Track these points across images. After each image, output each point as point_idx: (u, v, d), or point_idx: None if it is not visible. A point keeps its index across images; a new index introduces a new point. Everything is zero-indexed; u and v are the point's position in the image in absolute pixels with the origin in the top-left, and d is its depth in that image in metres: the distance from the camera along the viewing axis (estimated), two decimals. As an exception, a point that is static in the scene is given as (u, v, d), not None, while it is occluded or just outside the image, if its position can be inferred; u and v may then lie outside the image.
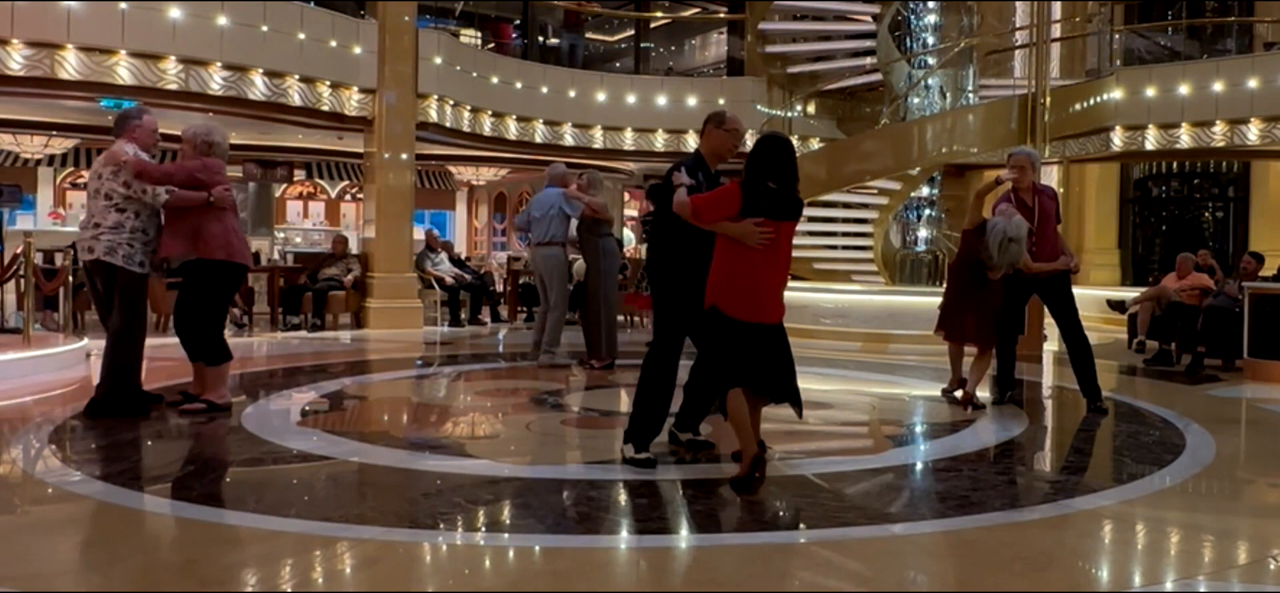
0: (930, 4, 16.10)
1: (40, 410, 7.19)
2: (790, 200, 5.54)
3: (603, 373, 9.89)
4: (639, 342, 11.45)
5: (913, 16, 16.14)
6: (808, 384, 9.74)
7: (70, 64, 11.60)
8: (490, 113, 16.92)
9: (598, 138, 18.17)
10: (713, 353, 5.55)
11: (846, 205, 16.13)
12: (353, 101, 14.15)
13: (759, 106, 18.67)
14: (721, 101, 18.68)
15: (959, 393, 8.20)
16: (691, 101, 18.65)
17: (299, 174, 26.02)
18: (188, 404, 7.18)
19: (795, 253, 16.11)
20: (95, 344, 10.79)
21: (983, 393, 8.21)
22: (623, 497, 5.28)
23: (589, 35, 24.72)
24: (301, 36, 13.43)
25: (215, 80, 12.60)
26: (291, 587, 3.94)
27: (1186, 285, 12.34)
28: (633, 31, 24.19)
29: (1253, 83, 15.53)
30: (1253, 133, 15.58)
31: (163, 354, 11.15)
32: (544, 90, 17.72)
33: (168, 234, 7.06)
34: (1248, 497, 6.02)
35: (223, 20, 12.59)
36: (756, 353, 5.45)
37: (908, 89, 16.06)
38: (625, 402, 8.72)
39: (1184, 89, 16.16)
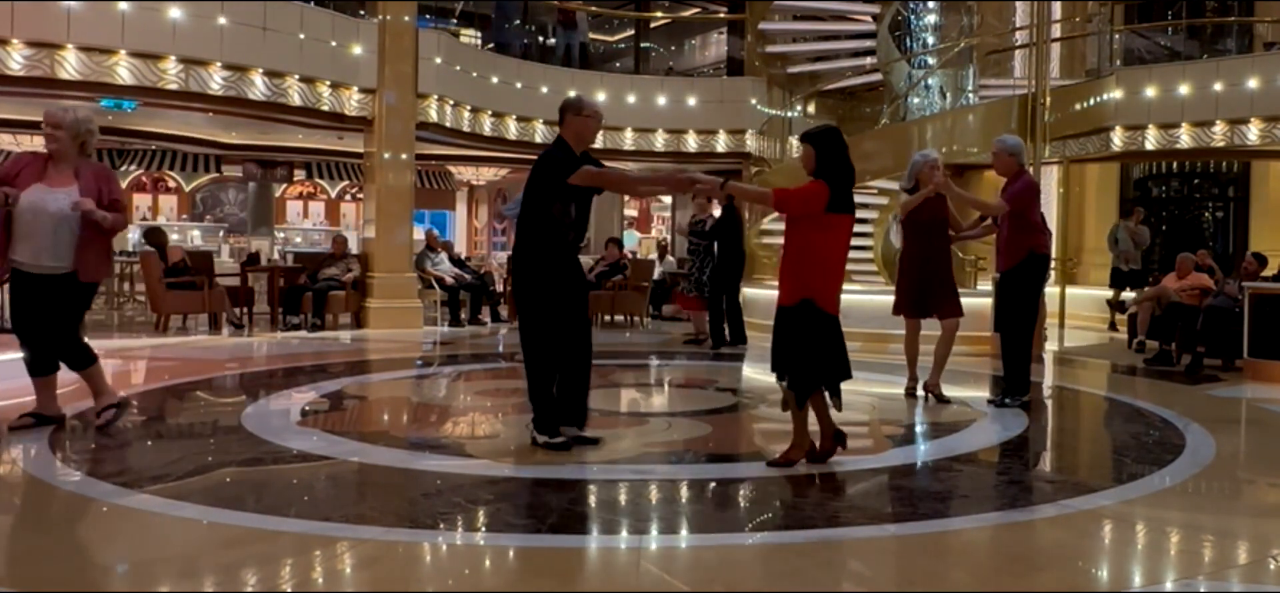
0: (930, 4, 16.08)
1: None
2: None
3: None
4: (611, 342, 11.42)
5: (913, 16, 16.13)
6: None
7: (70, 64, 11.61)
8: (490, 113, 16.92)
9: (597, 137, 18.14)
10: (806, 348, 5.75)
11: (846, 205, 16.10)
12: (353, 101, 14.15)
13: (759, 106, 18.66)
14: (722, 102, 18.71)
15: (920, 391, 8.48)
16: (691, 101, 18.65)
17: (299, 174, 26.07)
18: (102, 415, 6.56)
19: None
20: (95, 344, 10.78)
21: (979, 392, 8.20)
22: (623, 496, 5.28)
23: (591, 36, 24.65)
24: (301, 36, 13.43)
25: (215, 80, 12.60)
26: (291, 587, 3.94)
27: (1186, 285, 12.34)
28: (633, 31, 24.18)
29: (1253, 83, 15.52)
30: (1253, 133, 15.56)
31: (165, 354, 11.17)
32: (544, 90, 17.71)
33: (92, 251, 6.39)
34: (1248, 497, 6.02)
35: (223, 20, 12.59)
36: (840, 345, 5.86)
37: (908, 89, 16.04)
38: (624, 402, 8.73)
39: (1184, 89, 16.13)
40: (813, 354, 5.75)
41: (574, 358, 6.25)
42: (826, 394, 5.87)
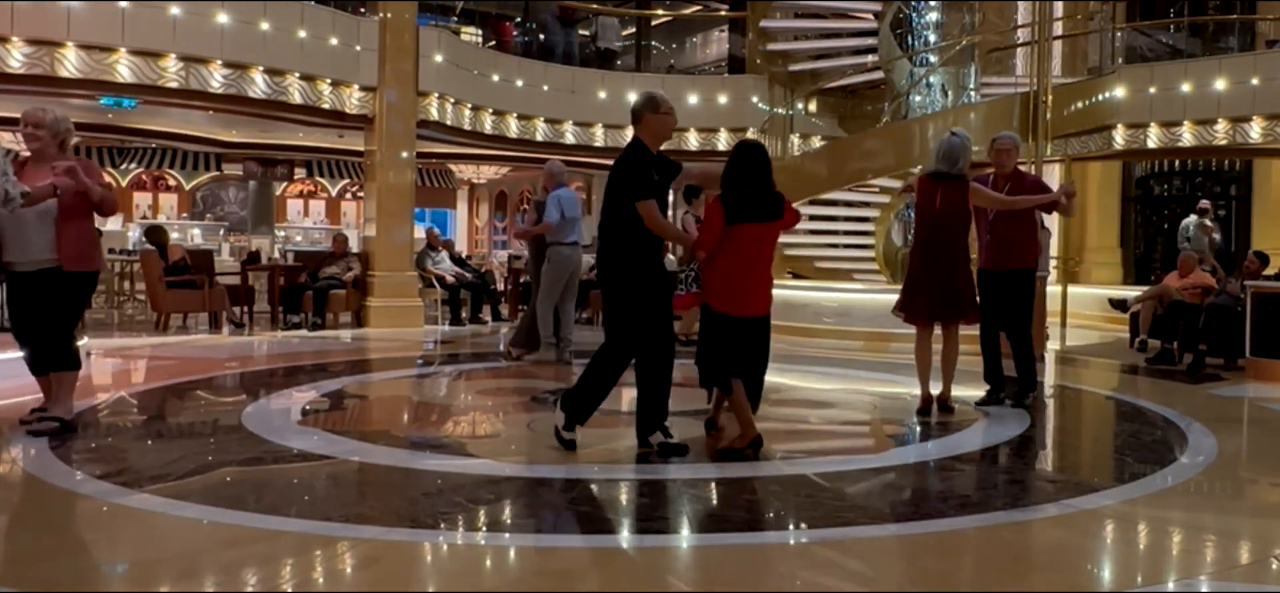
0: (932, 2, 16.06)
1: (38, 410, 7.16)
2: (770, 200, 6.10)
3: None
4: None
5: (914, 14, 16.11)
6: (809, 383, 9.76)
7: (70, 62, 11.59)
8: (491, 111, 16.89)
9: (599, 136, 18.14)
10: (712, 346, 6.18)
11: (848, 204, 16.11)
12: (353, 100, 14.14)
13: (760, 104, 18.64)
14: (723, 100, 18.67)
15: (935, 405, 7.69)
16: (693, 99, 18.60)
17: (299, 172, 26.06)
18: (41, 423, 6.39)
19: (797, 251, 16.08)
20: (95, 343, 10.80)
21: (972, 392, 8.17)
22: (624, 496, 5.27)
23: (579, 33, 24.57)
24: (302, 34, 13.41)
25: (216, 78, 12.58)
26: (292, 587, 3.93)
27: (1188, 284, 12.32)
28: (634, 29, 24.15)
29: (1255, 80, 15.50)
30: (1255, 131, 15.54)
31: (165, 353, 11.16)
32: (545, 88, 17.68)
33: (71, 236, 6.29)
34: (1250, 496, 6.01)
35: (223, 18, 12.57)
36: (748, 343, 6.13)
37: (909, 87, 16.02)
38: (626, 401, 8.71)
39: (1186, 87, 16.12)
40: (707, 349, 6.21)
41: (662, 361, 6.04)
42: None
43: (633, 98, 18.42)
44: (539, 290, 10.52)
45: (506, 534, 4.63)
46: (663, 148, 6.23)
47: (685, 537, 4.70)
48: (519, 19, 21.35)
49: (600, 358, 6.08)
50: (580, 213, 10.67)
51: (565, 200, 10.40)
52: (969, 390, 8.31)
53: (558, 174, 10.68)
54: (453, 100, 15.75)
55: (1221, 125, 15.83)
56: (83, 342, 9.65)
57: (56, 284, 6.28)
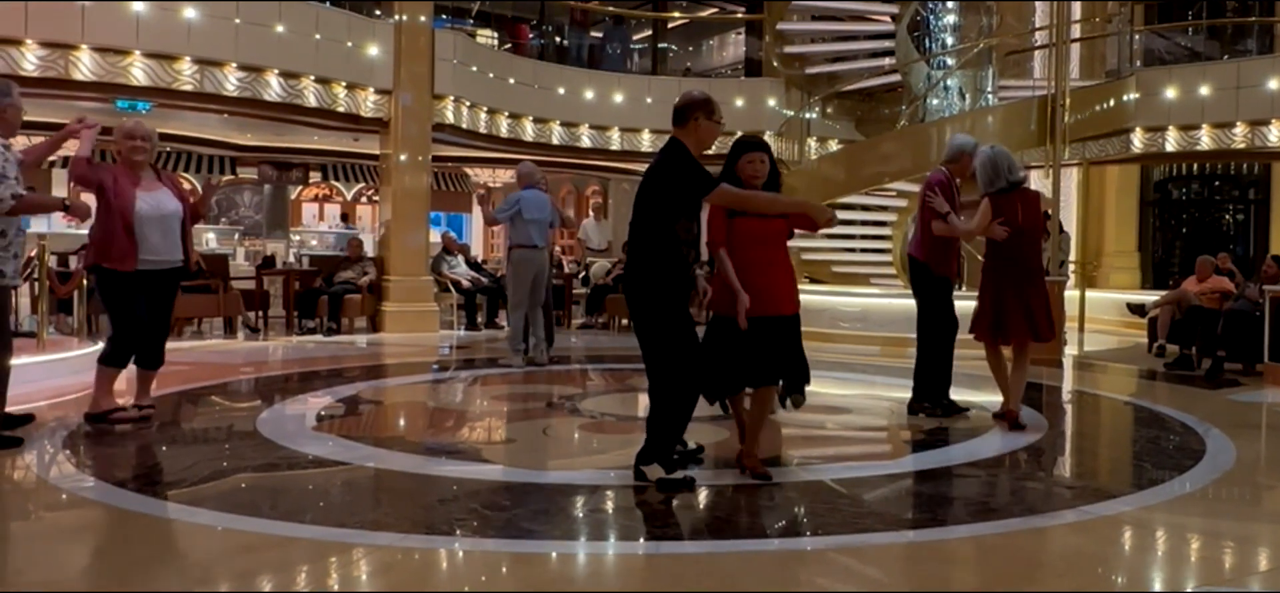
0: (949, 4, 16.01)
1: (54, 415, 7.20)
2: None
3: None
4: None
5: (932, 17, 16.07)
6: (826, 388, 9.73)
7: (84, 65, 11.61)
8: (507, 114, 16.86)
9: (615, 139, 18.10)
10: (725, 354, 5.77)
11: (865, 208, 16.06)
12: (368, 103, 14.14)
13: (777, 107, 18.59)
14: (739, 103, 18.63)
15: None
16: (708, 102, 18.54)
17: (314, 176, 26.11)
18: (141, 411, 7.04)
19: (813, 256, 16.00)
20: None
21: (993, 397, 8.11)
22: (639, 502, 5.24)
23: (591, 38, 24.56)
24: (317, 37, 13.43)
25: (230, 81, 12.60)
26: (305, 593, 3.92)
27: (1207, 289, 12.24)
28: (650, 32, 24.15)
29: (1274, 84, 15.41)
30: (1274, 134, 15.46)
31: (179, 358, 11.18)
32: (561, 91, 17.66)
33: (188, 241, 7.14)
34: (1269, 502, 5.95)
35: (238, 21, 12.59)
36: (778, 343, 5.76)
37: (927, 90, 15.98)
38: (640, 407, 8.70)
39: (1204, 90, 16.04)
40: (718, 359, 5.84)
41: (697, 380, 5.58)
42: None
43: (649, 101, 18.38)
44: (508, 298, 10.58)
45: (522, 541, 4.61)
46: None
47: (702, 543, 4.68)
48: (535, 22, 21.34)
49: (667, 396, 5.41)
50: (547, 216, 10.66)
51: (528, 202, 10.42)
52: (976, 395, 8.27)
53: (527, 175, 10.72)
54: (468, 103, 15.73)
55: (1240, 129, 15.75)
56: (98, 346, 9.70)
57: (175, 279, 7.11)
